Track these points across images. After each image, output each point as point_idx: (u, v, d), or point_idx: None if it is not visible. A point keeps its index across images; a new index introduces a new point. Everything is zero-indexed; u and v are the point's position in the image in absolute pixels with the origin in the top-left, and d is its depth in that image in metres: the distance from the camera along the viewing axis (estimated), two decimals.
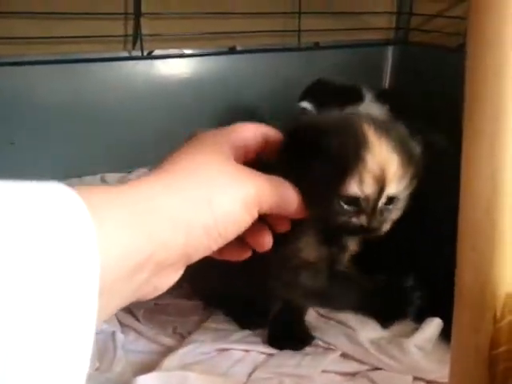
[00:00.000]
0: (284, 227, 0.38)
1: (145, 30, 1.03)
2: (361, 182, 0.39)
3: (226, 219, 0.31)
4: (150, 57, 1.06)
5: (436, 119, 0.87)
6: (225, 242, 0.32)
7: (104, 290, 0.22)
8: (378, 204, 0.40)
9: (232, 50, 1.15)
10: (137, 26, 1.03)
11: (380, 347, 0.53)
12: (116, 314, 0.60)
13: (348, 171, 0.39)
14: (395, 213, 0.42)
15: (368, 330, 0.55)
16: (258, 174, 0.34)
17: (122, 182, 0.99)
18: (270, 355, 0.54)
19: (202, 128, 0.39)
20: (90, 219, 0.22)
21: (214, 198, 0.30)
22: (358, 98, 0.95)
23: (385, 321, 0.47)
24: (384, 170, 0.39)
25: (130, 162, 1.06)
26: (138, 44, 1.04)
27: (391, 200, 0.41)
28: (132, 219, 0.26)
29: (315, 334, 0.56)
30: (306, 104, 0.96)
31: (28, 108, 0.95)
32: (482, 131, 0.30)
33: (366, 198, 0.39)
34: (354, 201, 0.39)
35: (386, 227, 0.42)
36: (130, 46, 1.05)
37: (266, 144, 0.39)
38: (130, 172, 1.05)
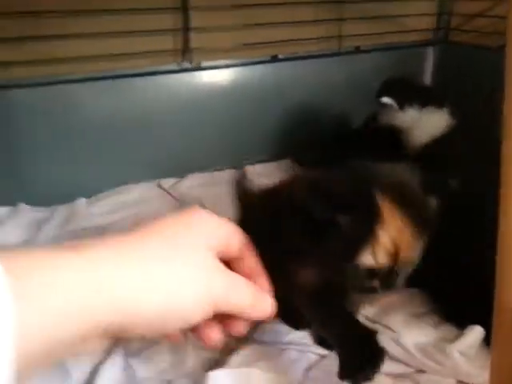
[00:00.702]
0: (240, 330, 0.36)
1: (192, 44, 1.09)
2: (374, 254, 0.42)
3: (171, 313, 0.28)
4: (199, 68, 1.12)
5: (476, 119, 0.89)
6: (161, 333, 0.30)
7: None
8: (393, 270, 0.43)
9: (274, 58, 1.20)
10: (186, 40, 1.10)
11: (424, 351, 0.58)
12: None
13: (362, 245, 0.41)
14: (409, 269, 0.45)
15: (412, 335, 0.61)
16: (230, 276, 0.32)
17: (176, 187, 1.07)
18: (323, 356, 0.60)
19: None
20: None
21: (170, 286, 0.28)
22: (440, 102, 0.95)
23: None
24: (397, 243, 0.41)
25: (182, 168, 1.13)
26: (186, 56, 1.10)
27: (405, 263, 0.44)
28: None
29: None
30: (387, 99, 0.94)
31: (89, 122, 1.04)
32: None
33: (380, 267, 0.42)
34: (368, 269, 0.42)
35: (400, 282, 0.45)
36: (179, 58, 1.11)
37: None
38: (183, 177, 1.12)
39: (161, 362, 0.60)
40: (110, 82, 1.04)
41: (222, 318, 0.34)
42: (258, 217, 0.57)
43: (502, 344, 0.39)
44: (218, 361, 0.60)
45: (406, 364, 0.58)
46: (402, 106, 0.93)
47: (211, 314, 0.31)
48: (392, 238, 0.41)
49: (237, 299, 0.32)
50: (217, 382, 0.54)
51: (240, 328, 0.35)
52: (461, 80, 1.23)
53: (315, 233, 0.41)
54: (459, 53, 1.30)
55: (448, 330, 0.62)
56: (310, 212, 0.40)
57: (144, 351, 0.61)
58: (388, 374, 0.58)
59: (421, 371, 0.57)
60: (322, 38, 1.25)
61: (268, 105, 1.19)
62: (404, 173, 0.50)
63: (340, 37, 1.25)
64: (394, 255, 0.42)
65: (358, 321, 0.51)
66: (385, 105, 0.95)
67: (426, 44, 1.37)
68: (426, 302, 0.68)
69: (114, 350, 0.58)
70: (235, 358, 0.59)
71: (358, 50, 1.28)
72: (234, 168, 1.16)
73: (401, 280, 0.45)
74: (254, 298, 0.34)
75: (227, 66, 1.16)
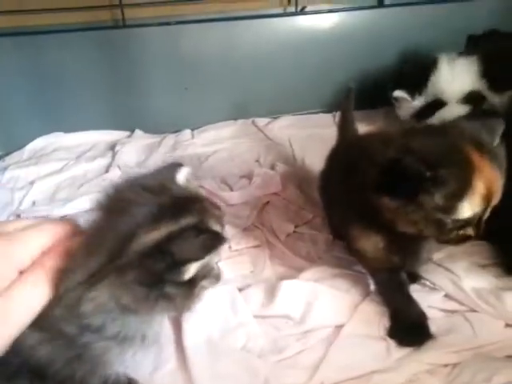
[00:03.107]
0: None
1: None
2: (472, 204, 0.45)
3: None
4: (303, 13, 1.16)
5: None
6: None
7: None
8: (484, 216, 0.47)
9: (381, 4, 1.19)
10: None
11: (480, 294, 0.62)
12: (264, 233, 0.78)
13: (460, 198, 0.45)
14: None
15: (471, 279, 0.65)
16: None
17: (269, 127, 1.15)
18: None
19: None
20: None
21: None
22: None
23: None
24: (490, 188, 0.45)
25: (276, 109, 1.20)
26: (293, 1, 1.14)
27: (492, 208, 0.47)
28: None
29: (425, 275, 0.67)
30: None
31: (198, 60, 1.14)
32: None
33: (475, 215, 0.46)
34: (464, 219, 0.46)
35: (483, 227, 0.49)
36: (285, 3, 1.15)
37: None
38: (276, 118, 1.19)
39: (243, 270, 0.71)
40: (220, 23, 1.12)
41: None
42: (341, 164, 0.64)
43: None
44: (290, 275, 0.69)
45: (460, 303, 0.63)
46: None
47: None
48: (486, 186, 0.45)
49: None
50: (288, 289, 0.64)
51: None
52: None
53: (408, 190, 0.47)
54: None
55: (508, 281, 0.64)
56: (408, 173, 0.45)
57: (228, 259, 0.72)
58: (442, 310, 0.63)
59: (473, 311, 0.62)
60: None
61: (369, 53, 1.19)
62: (482, 126, 0.52)
63: None
64: (487, 202, 0.46)
65: (413, 302, 0.60)
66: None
67: None
68: (493, 255, 0.70)
69: None
70: (306, 273, 0.68)
71: None
72: (327, 112, 1.21)
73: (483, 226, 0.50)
74: None
75: (331, 11, 1.17)
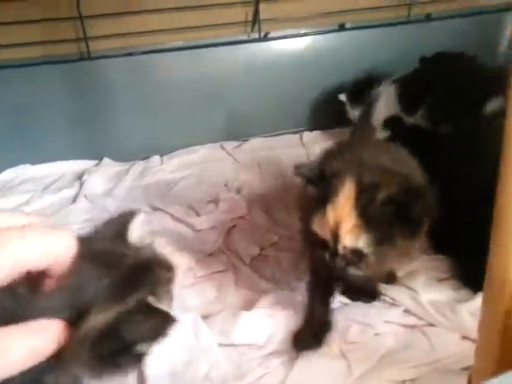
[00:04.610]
0: None
1: (262, 15, 1.16)
2: (320, 225, 0.48)
3: None
4: (267, 38, 1.19)
5: None
6: None
7: None
8: (338, 249, 0.48)
9: (342, 28, 1.23)
10: (256, 11, 1.16)
11: (437, 307, 0.64)
12: (229, 257, 0.79)
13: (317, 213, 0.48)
14: (369, 264, 0.49)
15: (430, 292, 0.66)
16: None
17: (237, 149, 1.17)
18: (345, 304, 0.68)
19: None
20: None
21: None
22: None
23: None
24: (338, 224, 0.47)
25: (245, 132, 1.22)
26: (256, 27, 1.17)
27: (357, 252, 0.49)
28: None
29: (384, 291, 0.68)
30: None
31: (165, 86, 1.16)
32: None
33: (328, 241, 0.48)
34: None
35: (355, 272, 0.50)
36: (249, 29, 1.19)
37: None
38: (245, 140, 1.21)
39: (208, 296, 0.72)
40: (184, 52, 1.15)
41: None
42: None
43: (489, 303, 0.44)
44: (254, 299, 0.70)
45: (419, 317, 0.64)
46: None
47: None
48: (335, 219, 0.48)
49: None
50: (250, 317, 0.65)
51: None
52: None
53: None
54: None
55: (465, 293, 0.66)
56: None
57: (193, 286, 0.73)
58: (402, 325, 0.64)
59: (431, 325, 0.63)
60: (389, 6, 1.24)
61: (332, 74, 1.23)
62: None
63: (410, 4, 1.23)
64: (336, 234, 0.48)
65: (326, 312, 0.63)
66: None
67: (506, 9, 1.30)
68: (451, 269, 0.72)
69: None
70: (265, 301, 0.69)
71: (428, 18, 1.26)
72: (294, 133, 1.23)
73: (354, 271, 0.51)
74: None
75: (295, 36, 1.20)
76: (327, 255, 0.50)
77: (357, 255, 0.49)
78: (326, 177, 0.50)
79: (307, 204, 0.53)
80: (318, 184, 0.51)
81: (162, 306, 0.39)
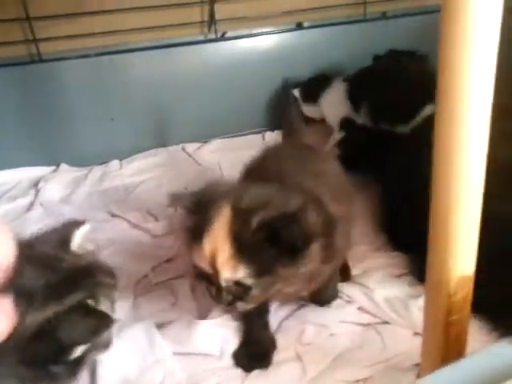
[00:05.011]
0: None
1: (218, 15, 1.15)
2: (199, 258, 0.45)
3: None
4: (224, 38, 1.18)
5: None
6: None
7: None
8: (220, 282, 0.45)
9: (299, 27, 1.23)
10: (211, 12, 1.15)
11: (391, 304, 0.65)
12: (187, 262, 0.75)
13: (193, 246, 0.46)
14: (253, 297, 0.46)
15: (384, 289, 0.67)
16: None
17: (198, 151, 1.16)
18: (299, 308, 0.67)
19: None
20: None
21: None
22: None
23: None
24: (215, 255, 0.44)
25: (205, 134, 1.21)
26: (213, 27, 1.16)
27: (240, 285, 0.45)
28: None
29: (341, 289, 0.69)
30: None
31: (122, 89, 1.14)
32: None
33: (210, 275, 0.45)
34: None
35: (244, 306, 0.47)
36: (206, 30, 1.18)
37: None
38: (205, 142, 1.20)
39: (164, 303, 0.71)
40: (141, 53, 1.13)
41: None
42: None
43: (430, 301, 0.45)
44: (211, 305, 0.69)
45: (374, 315, 0.65)
46: None
47: None
48: (211, 251, 0.45)
49: None
50: (206, 327, 0.64)
51: None
52: None
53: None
54: None
55: (421, 289, 0.67)
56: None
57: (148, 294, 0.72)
58: (357, 323, 0.65)
59: (385, 322, 0.64)
60: (345, 5, 1.25)
61: (291, 73, 1.23)
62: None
63: (365, 3, 1.25)
64: (215, 267, 0.45)
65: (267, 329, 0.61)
66: None
67: None
68: (406, 265, 0.74)
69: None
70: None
71: (384, 16, 1.28)
72: (256, 133, 1.23)
73: (243, 305, 0.47)
74: None
75: (252, 36, 1.20)
76: (213, 290, 0.47)
77: (241, 288, 0.45)
78: (204, 204, 0.47)
79: (187, 235, 0.49)
80: (196, 213, 0.48)
81: (101, 308, 0.39)
